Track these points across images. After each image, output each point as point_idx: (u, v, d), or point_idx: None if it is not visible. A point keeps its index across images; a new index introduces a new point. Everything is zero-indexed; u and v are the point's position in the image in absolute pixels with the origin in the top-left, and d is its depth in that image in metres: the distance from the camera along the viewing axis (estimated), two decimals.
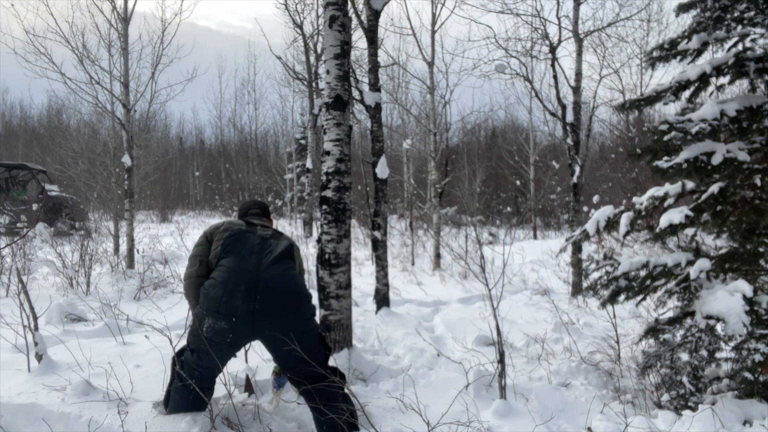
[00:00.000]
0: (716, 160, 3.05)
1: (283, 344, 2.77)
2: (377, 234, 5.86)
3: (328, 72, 4.09)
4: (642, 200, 3.55)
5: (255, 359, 3.99)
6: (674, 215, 3.21)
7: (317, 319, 3.16)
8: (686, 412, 2.99)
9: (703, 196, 3.39)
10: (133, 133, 8.50)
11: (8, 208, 14.18)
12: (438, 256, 10.33)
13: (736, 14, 3.31)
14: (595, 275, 3.71)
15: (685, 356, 3.33)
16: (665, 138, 3.11)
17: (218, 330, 2.74)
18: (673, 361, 3.32)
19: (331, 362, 3.92)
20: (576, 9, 7.62)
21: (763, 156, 3.34)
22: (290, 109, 33.23)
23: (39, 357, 3.64)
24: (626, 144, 16.87)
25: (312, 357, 2.82)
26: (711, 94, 3.56)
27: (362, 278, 8.60)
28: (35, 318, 3.75)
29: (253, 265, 2.83)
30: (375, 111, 5.78)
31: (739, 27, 3.39)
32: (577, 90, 7.63)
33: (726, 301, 2.94)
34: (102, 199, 11.47)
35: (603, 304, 3.61)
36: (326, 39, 4.10)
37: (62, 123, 26.55)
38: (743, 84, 3.57)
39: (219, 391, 3.23)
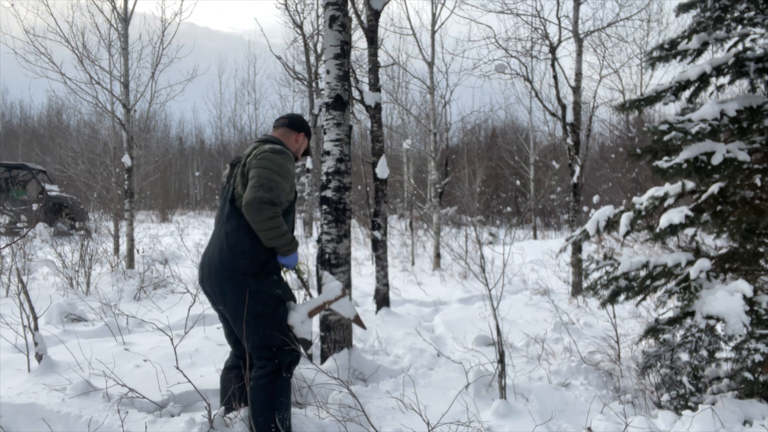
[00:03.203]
0: (716, 160, 3.05)
1: (228, 317, 2.82)
2: (377, 234, 5.87)
3: (328, 72, 4.09)
4: (642, 200, 3.55)
5: None
6: (674, 215, 3.21)
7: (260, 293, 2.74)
8: (686, 412, 2.99)
9: (703, 196, 3.39)
10: (133, 133, 8.50)
11: (8, 208, 14.18)
12: (438, 256, 10.34)
13: (736, 14, 3.31)
14: (595, 275, 3.71)
15: (685, 356, 3.33)
16: (665, 138, 3.11)
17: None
18: (673, 361, 3.32)
19: (329, 364, 3.92)
20: (576, 9, 7.62)
21: (763, 156, 3.34)
22: (290, 109, 33.21)
23: (39, 357, 3.65)
24: (626, 144, 16.89)
25: (247, 336, 2.75)
26: (711, 94, 3.56)
27: (362, 278, 8.60)
28: (35, 318, 3.75)
29: (214, 234, 2.88)
30: (375, 111, 5.78)
31: (739, 27, 3.39)
32: (577, 90, 7.64)
33: (726, 301, 2.94)
34: (102, 199, 11.47)
35: (603, 304, 3.61)
36: (326, 39, 4.09)
37: (62, 123, 26.55)
38: (743, 84, 3.57)
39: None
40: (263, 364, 2.74)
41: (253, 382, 2.75)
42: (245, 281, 2.69)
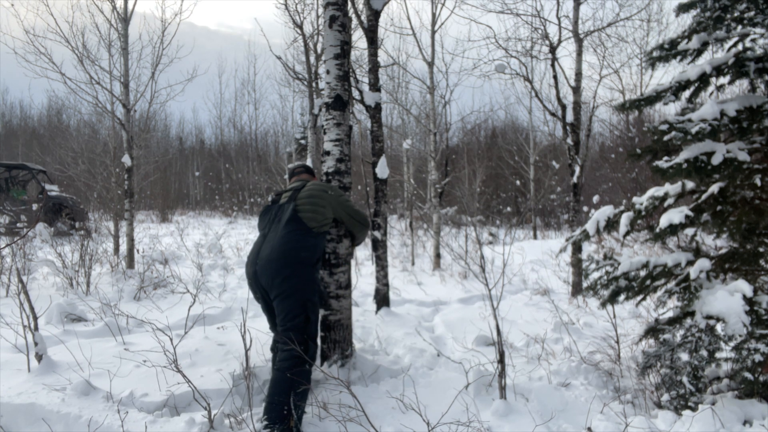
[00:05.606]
0: (716, 160, 3.05)
1: (275, 303, 3.20)
2: (377, 234, 5.86)
3: (328, 72, 4.09)
4: (642, 200, 3.55)
5: (257, 359, 4.00)
6: (674, 215, 3.21)
7: (308, 288, 3.24)
8: (686, 412, 2.99)
9: (703, 196, 3.39)
10: (133, 133, 8.50)
11: (8, 208, 14.17)
12: (438, 256, 10.33)
13: (736, 14, 3.31)
14: (595, 275, 3.71)
15: (685, 356, 3.33)
16: (665, 138, 3.11)
17: (250, 287, 3.40)
18: (673, 361, 3.32)
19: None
20: (576, 9, 7.62)
21: (763, 156, 3.34)
22: (290, 109, 33.22)
23: (39, 357, 3.65)
24: (626, 144, 16.88)
25: (288, 318, 3.12)
26: (711, 94, 3.56)
27: (362, 278, 8.60)
28: (35, 318, 3.75)
29: (264, 236, 3.41)
30: (375, 111, 5.78)
31: (739, 27, 3.39)
32: (577, 90, 7.63)
33: (726, 301, 2.94)
34: (102, 199, 11.48)
35: (603, 304, 3.61)
36: (326, 39, 4.09)
37: (62, 123, 26.56)
38: (743, 84, 3.57)
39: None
40: (290, 347, 3.03)
41: (278, 364, 3.06)
42: (303, 270, 3.19)
